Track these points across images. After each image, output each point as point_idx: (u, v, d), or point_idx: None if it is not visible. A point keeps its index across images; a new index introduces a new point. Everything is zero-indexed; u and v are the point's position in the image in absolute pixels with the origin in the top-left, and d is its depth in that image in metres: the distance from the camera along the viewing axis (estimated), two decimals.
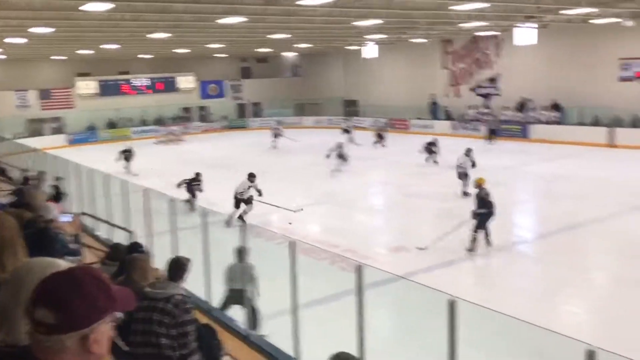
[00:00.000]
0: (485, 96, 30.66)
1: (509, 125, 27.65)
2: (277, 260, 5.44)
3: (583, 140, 24.03)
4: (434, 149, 20.29)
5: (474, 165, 15.20)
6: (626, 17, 21.27)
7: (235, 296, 6.78)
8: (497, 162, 19.62)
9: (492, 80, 30.43)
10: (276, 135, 27.63)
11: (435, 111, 32.91)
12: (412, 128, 32.37)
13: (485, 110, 30.03)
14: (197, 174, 15.10)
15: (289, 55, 40.49)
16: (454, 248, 10.50)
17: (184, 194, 13.92)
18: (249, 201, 13.08)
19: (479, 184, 10.53)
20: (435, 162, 19.99)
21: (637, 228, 11.94)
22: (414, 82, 34.06)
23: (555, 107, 26.85)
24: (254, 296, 6.98)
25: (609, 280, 9.66)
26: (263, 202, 13.10)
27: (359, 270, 4.37)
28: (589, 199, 14.56)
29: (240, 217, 12.84)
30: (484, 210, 10.10)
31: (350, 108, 39.11)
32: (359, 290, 4.37)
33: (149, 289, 3.95)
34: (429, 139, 21.09)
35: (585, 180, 16.88)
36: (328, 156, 19.03)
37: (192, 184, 14.79)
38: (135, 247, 5.51)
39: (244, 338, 5.61)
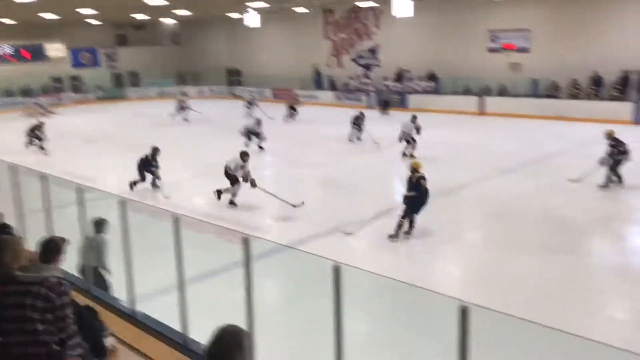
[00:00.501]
0: (366, 66, 31.42)
1: (392, 96, 28.57)
2: (161, 236, 5.28)
3: (456, 109, 25.44)
4: (360, 123, 18.92)
5: (418, 131, 16.39)
6: None
7: (87, 271, 6.60)
8: (381, 130, 20.28)
9: (372, 51, 31.21)
10: (182, 108, 25.81)
11: (318, 81, 33.26)
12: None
13: (366, 81, 30.82)
14: (155, 150, 13.26)
15: (168, 22, 38.92)
16: (345, 220, 10.80)
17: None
18: (234, 180, 11.93)
19: (414, 168, 9.90)
20: (358, 138, 18.87)
21: (505, 190, 12.91)
22: (298, 52, 34.15)
23: (431, 77, 28.11)
24: (103, 271, 6.97)
25: (482, 241, 10.38)
26: (263, 191, 11.78)
27: (246, 242, 4.35)
28: (463, 163, 15.50)
29: (232, 202, 11.97)
30: (413, 193, 9.67)
31: (234, 78, 38.55)
32: (247, 262, 4.36)
33: (20, 273, 3.69)
34: (355, 112, 19.60)
35: (459, 146, 17.92)
36: (246, 135, 17.64)
37: (149, 165, 13.14)
38: (3, 229, 5.11)
39: (129, 317, 5.44)
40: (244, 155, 12.10)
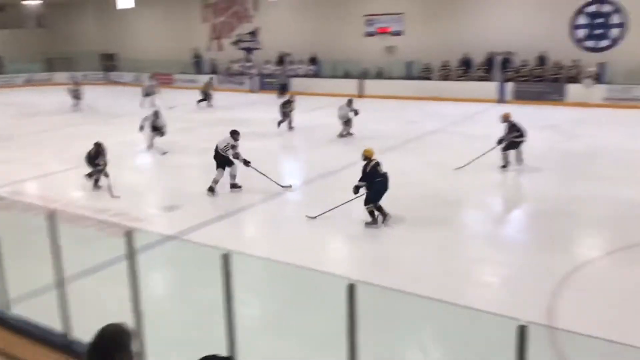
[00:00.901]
0: (247, 50, 31.17)
1: (272, 80, 28.57)
2: (37, 233, 4.97)
3: (337, 92, 25.98)
4: (288, 110, 18.18)
5: (356, 113, 16.81)
6: None
7: None
8: (265, 115, 20.28)
9: (252, 34, 30.99)
10: (75, 95, 23.59)
11: (199, 65, 32.55)
12: (177, 83, 31.62)
13: (248, 64, 30.59)
14: (98, 146, 11.70)
15: (31, 3, 36.13)
16: (229, 204, 10.72)
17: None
18: (229, 162, 11.39)
19: (367, 156, 9.67)
20: (291, 127, 18.26)
21: (386, 168, 13.40)
22: (176, 35, 33.15)
23: (313, 60, 28.46)
24: None
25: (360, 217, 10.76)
26: (256, 171, 11.41)
27: (128, 234, 4.22)
28: (342, 145, 15.93)
29: (234, 185, 11.50)
30: (363, 184, 9.49)
31: (108, 62, 36.70)
32: (130, 256, 4.23)
33: None
34: (285, 98, 18.92)
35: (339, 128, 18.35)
36: (142, 128, 15.49)
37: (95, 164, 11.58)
38: None
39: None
40: (235, 134, 11.55)
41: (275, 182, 11.53)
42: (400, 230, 9.48)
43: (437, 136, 17.03)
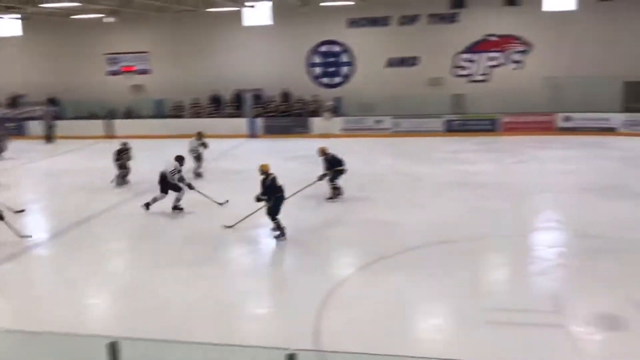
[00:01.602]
0: None
1: (10, 124, 25.47)
2: None
3: (83, 134, 24.32)
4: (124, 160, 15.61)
5: (206, 146, 16.36)
6: (108, 14, 22.40)
7: None
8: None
9: None
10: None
11: None
12: None
13: None
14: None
15: None
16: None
17: None
18: (177, 187, 12.27)
19: (264, 171, 10.52)
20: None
21: (140, 211, 12.90)
22: None
23: (52, 101, 26.26)
24: None
25: (130, 264, 10.16)
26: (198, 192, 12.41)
27: None
28: (97, 189, 14.93)
29: (176, 207, 12.41)
30: (264, 197, 10.42)
31: None
32: None
33: None
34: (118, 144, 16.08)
35: (92, 172, 17.16)
36: None
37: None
38: None
39: None
40: (182, 160, 12.65)
41: (211, 199, 12.61)
42: (169, 274, 9.15)
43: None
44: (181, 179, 12.33)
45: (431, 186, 14.54)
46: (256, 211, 10.98)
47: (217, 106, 25.20)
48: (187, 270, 9.33)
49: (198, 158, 16.30)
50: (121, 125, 24.80)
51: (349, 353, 5.44)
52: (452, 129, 22.28)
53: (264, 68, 24.66)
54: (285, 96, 24.66)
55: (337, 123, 23.23)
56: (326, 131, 22.75)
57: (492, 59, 23.38)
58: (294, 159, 17.87)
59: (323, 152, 13.31)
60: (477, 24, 23.10)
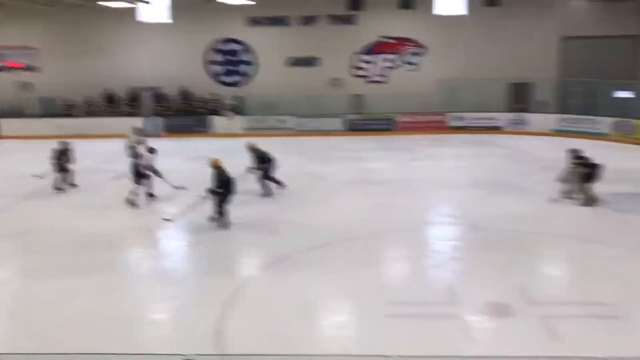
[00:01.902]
0: None
1: None
2: None
3: None
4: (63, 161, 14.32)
5: (142, 143, 15.41)
6: None
7: None
8: None
9: None
10: None
11: None
12: None
13: None
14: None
15: None
16: None
17: None
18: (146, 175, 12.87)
19: (217, 165, 11.09)
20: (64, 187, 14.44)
21: (34, 214, 12.18)
22: None
23: None
24: None
25: (14, 273, 9.56)
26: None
27: None
28: None
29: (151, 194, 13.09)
30: (220, 190, 10.90)
31: None
32: None
33: None
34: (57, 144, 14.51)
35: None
36: None
37: None
38: None
39: None
40: (155, 151, 13.46)
41: (171, 184, 13.30)
42: (56, 282, 8.69)
43: (91, 176, 16.04)
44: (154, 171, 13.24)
45: (334, 185, 14.80)
46: (197, 203, 11.22)
47: (112, 105, 24.20)
48: (82, 278, 8.91)
49: (135, 156, 15.80)
50: (8, 125, 23.25)
51: (248, 355, 5.44)
52: (353, 128, 22.79)
53: (162, 66, 24.02)
54: (185, 95, 24.15)
55: (239, 122, 23.06)
56: (228, 130, 22.53)
57: (388, 60, 24.17)
58: (195, 159, 17.54)
59: (253, 147, 13.42)
60: (374, 26, 23.78)
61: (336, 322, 7.74)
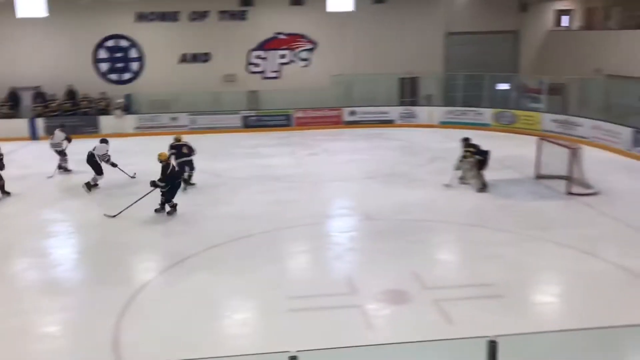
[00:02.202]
0: None
1: None
2: None
3: None
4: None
5: (69, 140, 16.00)
6: None
7: None
8: None
9: None
10: None
11: None
12: None
13: None
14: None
15: None
16: None
17: None
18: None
19: (163, 159, 11.70)
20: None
21: None
22: None
23: None
24: None
25: None
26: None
27: None
28: None
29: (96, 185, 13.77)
30: (163, 184, 11.46)
31: None
32: None
33: None
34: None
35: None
36: None
37: None
38: None
39: None
40: (107, 142, 14.37)
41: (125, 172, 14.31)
42: None
43: None
44: (108, 159, 14.05)
45: (232, 181, 14.65)
46: (142, 197, 11.78)
47: None
48: None
49: (62, 153, 16.09)
50: None
51: None
52: (250, 124, 22.65)
53: (43, 64, 22.60)
54: (70, 94, 22.87)
55: (129, 121, 22.22)
56: (118, 130, 21.64)
57: (282, 56, 24.26)
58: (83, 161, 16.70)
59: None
60: (266, 22, 23.76)
61: (237, 321, 7.70)
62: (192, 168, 13.96)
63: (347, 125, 22.73)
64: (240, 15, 23.49)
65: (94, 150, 14.08)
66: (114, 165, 14.27)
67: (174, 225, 11.26)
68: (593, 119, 18.20)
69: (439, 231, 10.97)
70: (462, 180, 13.46)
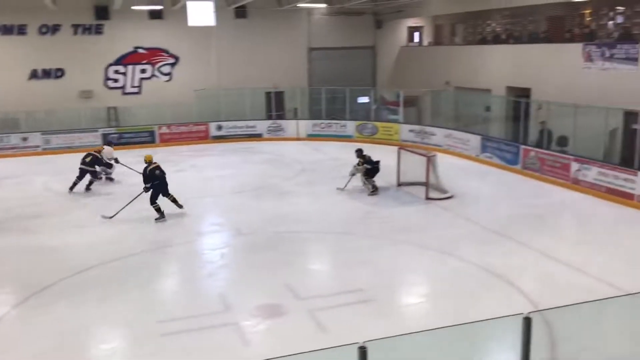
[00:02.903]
0: None
1: None
2: None
3: None
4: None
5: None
6: None
7: None
8: None
9: None
10: None
11: None
12: None
13: None
14: None
15: None
16: None
17: None
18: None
19: (149, 161, 12.46)
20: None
21: None
22: None
23: None
24: None
25: None
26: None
27: None
28: None
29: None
30: (148, 185, 12.21)
31: None
32: None
33: None
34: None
35: None
36: None
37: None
38: None
39: None
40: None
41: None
42: None
43: None
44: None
45: (94, 203, 13.88)
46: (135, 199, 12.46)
47: None
48: None
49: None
50: None
51: None
52: (110, 142, 21.58)
53: None
54: None
55: None
56: None
57: (143, 71, 23.50)
58: None
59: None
60: (125, 36, 22.89)
61: (106, 351, 7.28)
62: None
63: (215, 140, 22.48)
64: (96, 29, 22.42)
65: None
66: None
67: (32, 254, 10.41)
68: (445, 128, 19.56)
69: (311, 241, 11.17)
70: (362, 184, 14.27)
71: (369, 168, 14.13)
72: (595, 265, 9.28)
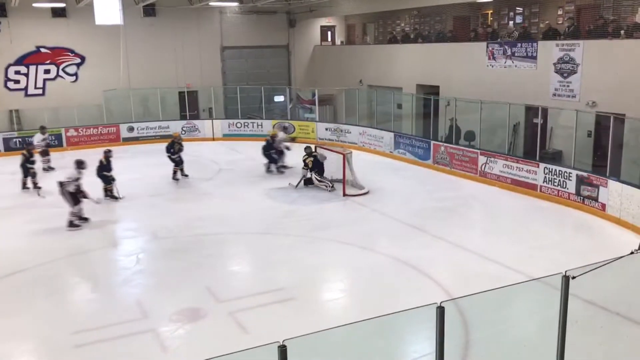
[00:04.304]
0: None
1: None
2: None
3: None
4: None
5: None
6: None
7: None
8: None
9: None
10: None
11: None
12: None
13: None
14: None
15: None
16: None
17: None
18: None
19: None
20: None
21: None
22: None
23: None
24: None
25: None
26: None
27: None
28: None
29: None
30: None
31: None
32: None
33: None
34: None
35: None
36: None
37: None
38: None
39: None
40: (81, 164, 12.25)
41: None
42: None
43: None
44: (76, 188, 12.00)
45: None
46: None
47: None
48: None
49: (45, 153, 16.54)
50: None
51: None
52: (13, 147, 20.41)
53: None
54: None
55: None
56: None
57: (46, 71, 22.36)
58: None
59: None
60: (26, 35, 21.67)
61: None
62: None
63: (126, 142, 21.75)
64: None
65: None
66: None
67: None
68: (360, 125, 19.94)
69: (230, 243, 11.07)
70: (318, 182, 14.40)
71: (314, 161, 14.34)
72: (503, 254, 9.78)
